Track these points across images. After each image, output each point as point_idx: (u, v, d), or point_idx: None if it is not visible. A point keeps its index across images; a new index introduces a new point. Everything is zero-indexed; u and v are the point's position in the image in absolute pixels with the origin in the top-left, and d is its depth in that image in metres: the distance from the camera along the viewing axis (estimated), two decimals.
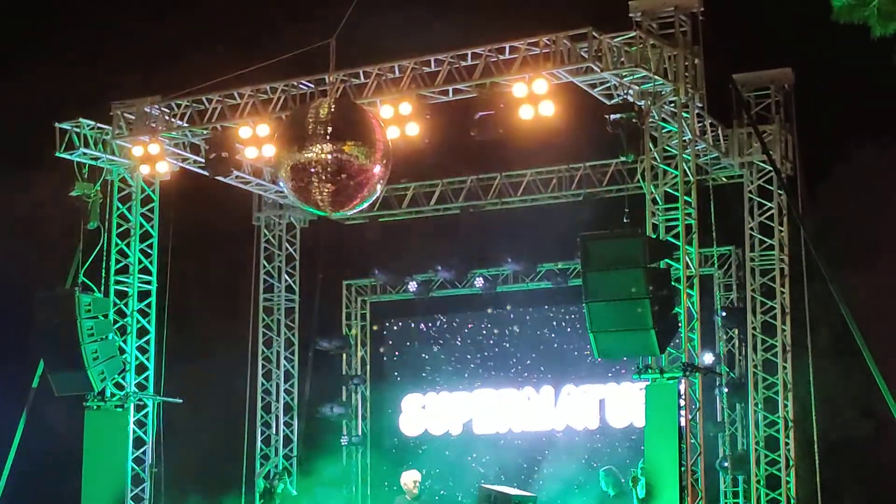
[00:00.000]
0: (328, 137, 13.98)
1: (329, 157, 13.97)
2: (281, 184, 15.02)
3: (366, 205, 14.99)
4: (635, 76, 16.79)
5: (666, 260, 16.73)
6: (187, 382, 21.07)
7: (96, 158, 19.81)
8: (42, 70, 23.64)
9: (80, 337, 18.80)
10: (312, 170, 13.99)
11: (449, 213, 23.03)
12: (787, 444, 19.77)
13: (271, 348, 23.07)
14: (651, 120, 17.10)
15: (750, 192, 20.23)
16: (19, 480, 21.18)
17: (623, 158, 17.50)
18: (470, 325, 24.93)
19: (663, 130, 17.44)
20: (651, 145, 17.18)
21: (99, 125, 19.72)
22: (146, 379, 20.17)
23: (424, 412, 24.96)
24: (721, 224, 20.00)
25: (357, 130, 14.27)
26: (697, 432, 16.72)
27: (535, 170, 22.32)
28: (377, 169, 14.28)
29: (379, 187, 14.66)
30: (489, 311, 24.73)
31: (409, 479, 18.86)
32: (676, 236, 16.95)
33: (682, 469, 16.25)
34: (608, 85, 17.15)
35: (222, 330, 23.72)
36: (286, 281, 23.24)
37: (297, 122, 14.36)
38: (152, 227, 20.42)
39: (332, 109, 14.27)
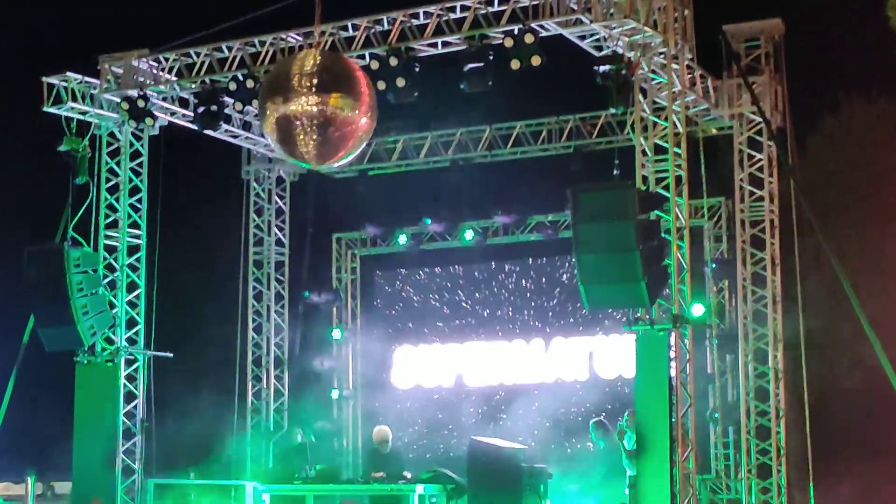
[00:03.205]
0: (314, 90, 13.86)
1: (314, 109, 13.86)
2: (266, 136, 14.93)
3: (350, 157, 14.91)
4: (625, 27, 16.68)
5: (656, 211, 16.70)
6: (177, 336, 21.06)
7: (84, 113, 19.72)
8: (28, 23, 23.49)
9: (69, 292, 18.72)
10: (297, 122, 13.89)
11: (438, 165, 22.99)
12: (777, 394, 19.83)
13: (261, 302, 23.06)
14: (641, 71, 17.02)
15: (740, 143, 20.19)
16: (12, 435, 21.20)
17: (613, 110, 17.45)
18: (460, 278, 24.94)
19: (653, 82, 17.38)
20: (641, 97, 17.12)
21: (87, 79, 19.61)
22: (136, 333, 20.17)
23: (416, 365, 25.00)
24: (711, 175, 19.96)
25: (343, 83, 14.15)
26: (688, 384, 16.74)
27: (524, 122, 22.27)
28: (363, 121, 14.18)
29: (364, 140, 14.57)
30: (479, 263, 24.72)
31: (386, 432, 18.90)
32: (666, 188, 16.91)
33: (673, 420, 16.28)
34: (597, 37, 17.06)
35: (212, 284, 23.70)
36: (276, 234, 23.21)
37: (283, 74, 14.22)
38: (141, 181, 20.36)
39: (318, 61, 14.14)
